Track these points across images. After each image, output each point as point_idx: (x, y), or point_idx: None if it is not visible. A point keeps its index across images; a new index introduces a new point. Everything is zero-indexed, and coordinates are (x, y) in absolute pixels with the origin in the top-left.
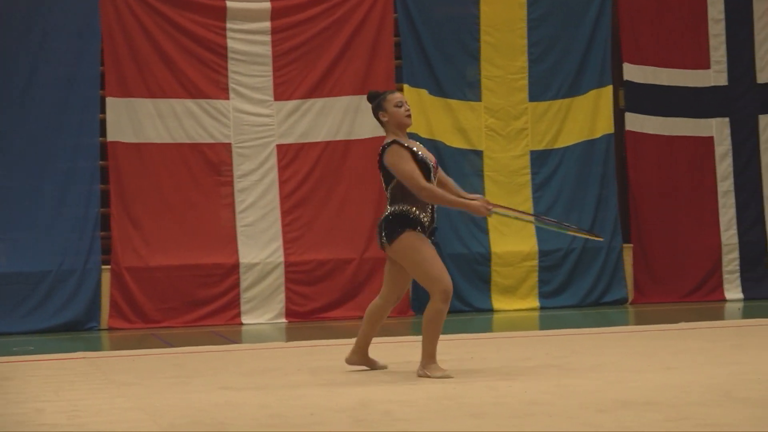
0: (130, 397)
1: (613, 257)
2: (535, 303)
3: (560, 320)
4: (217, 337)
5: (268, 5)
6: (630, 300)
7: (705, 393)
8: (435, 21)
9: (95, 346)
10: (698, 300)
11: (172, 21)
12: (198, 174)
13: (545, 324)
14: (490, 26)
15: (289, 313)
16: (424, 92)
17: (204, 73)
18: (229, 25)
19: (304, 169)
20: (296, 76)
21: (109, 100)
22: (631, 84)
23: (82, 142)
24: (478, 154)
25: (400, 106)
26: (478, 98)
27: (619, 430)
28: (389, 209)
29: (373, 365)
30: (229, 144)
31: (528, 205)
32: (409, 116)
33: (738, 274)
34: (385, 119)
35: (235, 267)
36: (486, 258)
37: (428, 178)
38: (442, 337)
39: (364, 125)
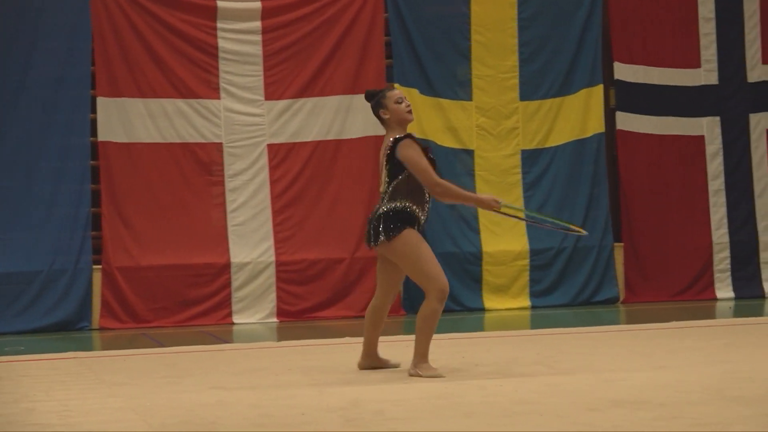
0: (122, 397)
1: (604, 256)
2: (526, 302)
3: (551, 319)
4: (208, 337)
5: (258, 5)
6: (621, 299)
7: (697, 392)
8: (426, 20)
9: (86, 346)
10: (689, 299)
11: (162, 21)
12: (189, 174)
13: (536, 323)
14: (480, 25)
15: (281, 313)
16: (415, 92)
17: (195, 73)
18: (219, 25)
19: (295, 169)
20: (287, 75)
21: (99, 99)
22: (621, 83)
23: (73, 141)
24: (470, 153)
25: (401, 103)
26: (469, 97)
27: (610, 429)
28: (388, 206)
29: (385, 365)
30: (220, 144)
31: (519, 205)
32: (410, 112)
33: (729, 273)
34: (386, 117)
35: (226, 266)
36: (477, 257)
37: None
38: (433, 336)
39: (355, 125)
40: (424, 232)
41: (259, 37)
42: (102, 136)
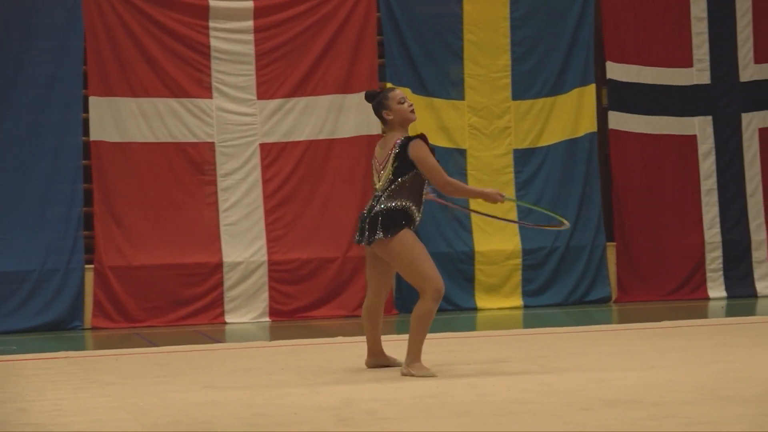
0: (114, 397)
1: (596, 256)
2: (518, 301)
3: (544, 319)
4: (200, 337)
5: (251, 4)
6: (613, 298)
7: (689, 391)
8: (418, 20)
9: (78, 346)
10: (682, 298)
11: (154, 20)
12: (181, 173)
13: (529, 322)
14: (473, 25)
15: (273, 312)
16: (407, 91)
17: (187, 72)
18: (212, 24)
19: (287, 168)
20: (279, 75)
21: (92, 99)
22: (614, 82)
23: (65, 141)
24: (462, 152)
25: (403, 103)
26: (462, 97)
27: (602, 429)
28: (388, 204)
29: (393, 363)
30: (213, 143)
31: (510, 204)
32: (413, 111)
33: (721, 273)
34: (390, 117)
35: (218, 266)
36: (470, 257)
37: None
38: (426, 335)
39: (348, 124)
40: (417, 232)
41: (251, 37)
42: (94, 135)
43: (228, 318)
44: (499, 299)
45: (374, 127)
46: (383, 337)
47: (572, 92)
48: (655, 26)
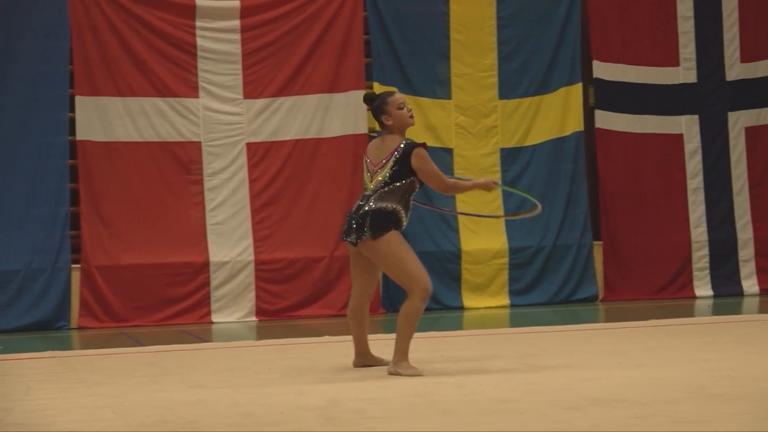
0: (101, 396)
1: (583, 254)
2: (505, 301)
3: (530, 318)
4: (187, 336)
5: (237, 3)
6: (600, 297)
7: (675, 390)
8: (405, 19)
9: (65, 345)
10: (668, 297)
11: (141, 19)
12: (168, 172)
13: (515, 321)
14: (459, 24)
15: (260, 312)
16: (394, 90)
17: (173, 72)
18: (198, 24)
19: (273, 168)
20: (266, 74)
21: (78, 98)
22: (600, 81)
23: (52, 140)
24: (449, 152)
25: (402, 108)
26: (448, 96)
27: (589, 428)
28: (377, 205)
29: (380, 362)
30: (199, 142)
31: (498, 203)
32: (412, 116)
33: (708, 271)
34: (389, 123)
35: (205, 265)
36: (456, 256)
37: None
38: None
39: (334, 123)
40: (404, 232)
41: (237, 36)
42: (81, 135)
43: (215, 317)
44: (486, 298)
45: (361, 126)
46: (370, 337)
47: (559, 91)
48: (642, 25)
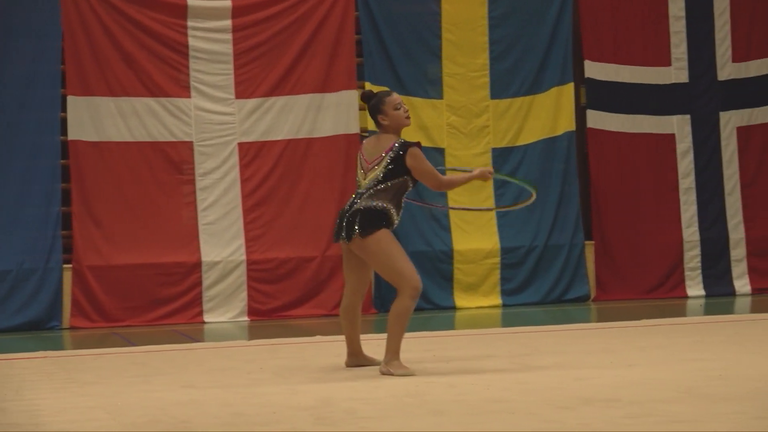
0: (93, 396)
1: (575, 254)
2: (497, 300)
3: (522, 317)
4: (179, 336)
5: (229, 3)
6: (592, 297)
7: (667, 389)
8: (396, 19)
9: (57, 346)
10: (660, 297)
11: (133, 19)
12: (159, 172)
13: (507, 321)
14: (451, 24)
15: (252, 312)
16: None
17: (165, 72)
18: (190, 23)
19: (265, 167)
20: (258, 74)
21: (70, 98)
22: (592, 81)
23: (43, 140)
24: (440, 151)
25: (399, 109)
26: (440, 96)
27: (581, 427)
28: (368, 203)
29: (372, 362)
30: (191, 142)
31: (490, 203)
32: (408, 117)
33: (699, 271)
34: (385, 122)
35: (197, 265)
36: (448, 255)
37: None
38: (404, 334)
39: (326, 123)
40: (396, 231)
41: (229, 36)
42: (72, 134)
43: (206, 317)
44: (478, 298)
45: (353, 126)
46: (362, 337)
47: (550, 91)
48: (634, 25)
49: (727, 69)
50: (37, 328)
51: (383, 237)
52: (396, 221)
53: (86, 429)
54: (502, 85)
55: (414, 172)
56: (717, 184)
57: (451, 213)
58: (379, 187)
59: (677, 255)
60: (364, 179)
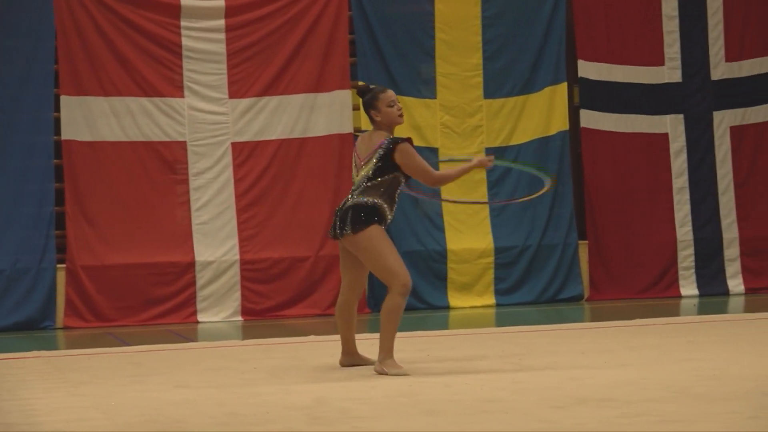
0: (86, 396)
1: (568, 254)
2: (491, 300)
3: (516, 317)
4: (173, 336)
5: (222, 3)
6: (586, 297)
7: (661, 389)
8: (390, 18)
9: (50, 345)
10: (654, 296)
11: (126, 19)
12: (153, 172)
13: (501, 321)
14: (445, 24)
15: (245, 311)
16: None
17: (158, 71)
18: (183, 23)
19: (259, 167)
20: (251, 73)
21: (63, 98)
22: (585, 81)
23: (37, 140)
24: (434, 151)
25: (392, 106)
26: (434, 95)
27: (575, 427)
28: (359, 199)
29: (366, 362)
30: (184, 142)
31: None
32: (401, 115)
33: (693, 271)
34: (378, 119)
35: (190, 265)
36: (442, 255)
37: None
38: (398, 334)
39: (319, 123)
40: (389, 231)
41: (222, 36)
42: (66, 134)
43: (200, 317)
44: (472, 298)
45: (346, 126)
46: (356, 336)
47: (544, 91)
48: (627, 24)
49: (720, 68)
50: (31, 328)
51: (374, 233)
52: (390, 217)
53: (80, 429)
54: (496, 85)
55: (404, 168)
56: (710, 183)
57: (444, 212)
58: (369, 184)
59: (671, 254)
60: (357, 176)
